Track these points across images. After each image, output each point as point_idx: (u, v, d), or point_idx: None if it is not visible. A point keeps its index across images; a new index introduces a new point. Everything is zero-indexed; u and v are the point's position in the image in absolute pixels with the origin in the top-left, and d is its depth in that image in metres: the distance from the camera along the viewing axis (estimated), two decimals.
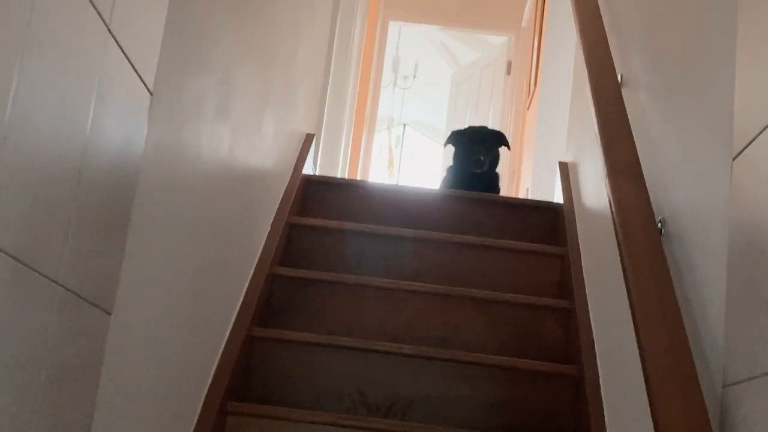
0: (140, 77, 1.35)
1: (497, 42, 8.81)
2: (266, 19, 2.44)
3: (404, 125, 11.07)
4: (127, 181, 1.37)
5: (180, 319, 1.85)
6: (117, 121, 1.29)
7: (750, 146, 1.31)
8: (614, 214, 1.77)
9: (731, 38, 1.51)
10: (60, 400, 1.19)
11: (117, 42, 1.23)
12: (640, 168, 1.90)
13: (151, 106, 1.43)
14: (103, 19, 1.17)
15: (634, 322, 1.50)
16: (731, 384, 1.28)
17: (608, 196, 1.85)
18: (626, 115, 2.14)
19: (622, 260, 1.65)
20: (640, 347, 1.44)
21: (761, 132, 1.27)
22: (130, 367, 1.53)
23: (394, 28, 8.70)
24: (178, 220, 1.75)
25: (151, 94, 1.42)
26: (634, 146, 1.98)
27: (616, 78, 2.35)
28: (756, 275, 1.24)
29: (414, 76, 10.45)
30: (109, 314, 1.35)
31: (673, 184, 1.79)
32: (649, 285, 1.54)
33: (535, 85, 6.18)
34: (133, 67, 1.31)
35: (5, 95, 0.91)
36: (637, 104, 2.21)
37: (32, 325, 1.07)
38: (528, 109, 6.78)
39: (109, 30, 1.19)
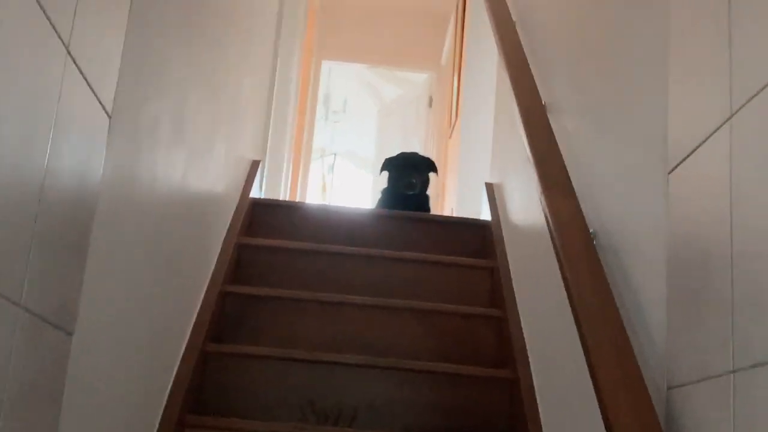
0: (99, 100, 1.24)
1: (419, 79, 8.87)
2: (216, 51, 2.35)
3: (335, 155, 11.05)
4: (86, 205, 1.26)
5: (137, 338, 1.74)
6: (76, 143, 1.18)
7: (685, 161, 1.27)
8: (551, 226, 1.72)
9: (658, 67, 1.47)
10: (24, 420, 1.07)
11: (76, 63, 1.12)
12: (572, 184, 1.85)
13: (109, 129, 1.33)
14: (62, 40, 1.06)
15: (577, 325, 1.44)
16: (677, 386, 1.23)
17: (544, 210, 1.80)
18: (554, 136, 2.10)
19: (561, 268, 1.60)
20: (585, 349, 1.37)
21: (695, 149, 1.24)
22: (92, 386, 1.42)
23: (325, 66, 8.68)
24: (135, 241, 1.64)
25: (110, 116, 1.31)
26: (564, 164, 1.94)
27: (542, 104, 2.31)
28: (697, 283, 1.20)
29: (344, 111, 10.49)
30: (71, 335, 1.24)
31: (603, 200, 1.75)
32: (589, 289, 1.49)
33: (457, 116, 6.20)
34: (91, 89, 1.20)
35: None
36: (561, 128, 2.17)
37: None
38: (450, 137, 6.80)
39: (68, 51, 1.08)
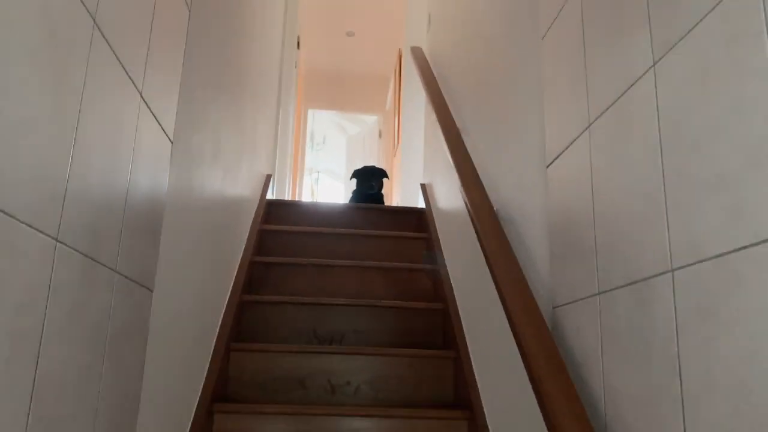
0: (164, 130, 1.17)
1: (371, 120, 8.81)
2: (239, 100, 2.28)
3: (318, 172, 10.94)
4: (158, 202, 1.20)
5: (195, 292, 1.67)
6: (149, 161, 1.12)
7: (559, 158, 1.25)
8: (468, 208, 1.69)
9: (535, 98, 1.45)
10: (121, 352, 1.01)
11: (147, 104, 1.05)
12: (480, 180, 1.82)
13: (171, 152, 1.26)
14: (137, 87, 0.99)
15: (489, 268, 1.41)
16: (559, 306, 1.20)
17: (463, 198, 1.77)
18: (467, 150, 2.07)
19: (477, 233, 1.57)
20: (496, 286, 1.34)
21: (565, 149, 1.21)
22: (168, 325, 1.35)
23: (310, 113, 8.58)
24: (191, 229, 1.57)
25: (172, 142, 1.24)
26: (474, 168, 1.91)
27: (457, 128, 2.28)
28: (567, 238, 1.18)
29: (323, 142, 10.41)
30: (151, 291, 1.17)
31: (501, 189, 1.73)
32: (496, 246, 1.45)
33: (398, 142, 6.17)
34: (158, 122, 1.13)
35: (68, 150, 0.74)
36: (471, 143, 2.15)
37: (100, 301, 0.89)
38: (394, 156, 6.76)
39: (141, 95, 1.02)
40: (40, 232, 0.71)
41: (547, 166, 1.31)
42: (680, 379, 0.78)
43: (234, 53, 2.11)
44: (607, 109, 1.04)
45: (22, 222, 0.67)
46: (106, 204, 0.91)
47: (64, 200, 0.77)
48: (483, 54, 2.09)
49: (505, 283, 1.30)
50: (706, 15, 0.77)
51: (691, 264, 0.77)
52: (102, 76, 0.86)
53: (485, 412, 1.77)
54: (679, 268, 0.80)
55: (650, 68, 0.90)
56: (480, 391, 1.86)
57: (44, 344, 0.74)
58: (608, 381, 0.98)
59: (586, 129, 1.11)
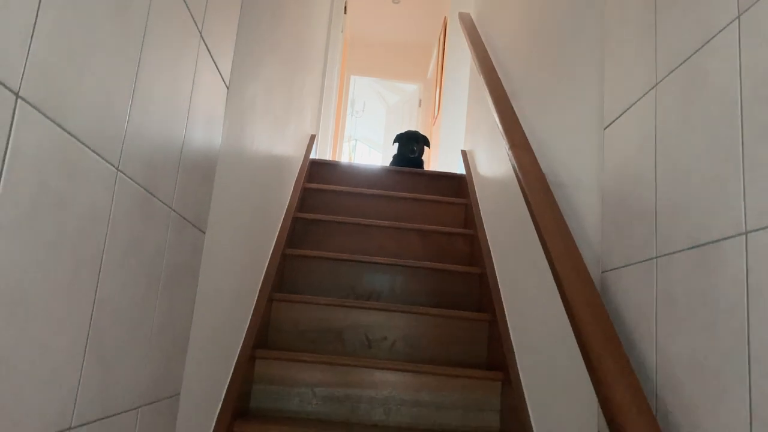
0: (221, 75, 1.14)
1: (412, 88, 8.66)
2: (290, 59, 2.23)
3: (356, 140, 10.87)
4: (212, 150, 1.17)
5: (242, 242, 1.66)
6: (206, 105, 1.08)
7: (617, 120, 1.18)
8: (517, 172, 1.63)
9: (593, 54, 1.36)
10: (174, 290, 1.00)
11: (206, 45, 1.02)
12: (529, 144, 1.75)
13: (227, 98, 1.23)
14: (197, 26, 0.96)
15: (538, 233, 1.36)
16: (609, 270, 1.15)
17: (511, 161, 1.71)
18: (515, 113, 1.99)
19: (525, 197, 1.51)
20: (544, 248, 1.29)
21: (626, 110, 1.14)
22: (217, 268, 1.34)
23: (352, 79, 8.47)
24: (240, 178, 1.55)
25: (228, 88, 1.21)
26: (523, 131, 1.84)
27: (506, 92, 2.20)
28: (623, 202, 1.11)
29: (363, 110, 10.31)
30: (204, 232, 1.15)
31: (551, 153, 1.65)
32: (545, 210, 1.40)
33: (438, 111, 6.05)
34: (216, 65, 1.10)
35: (130, 83, 0.71)
36: (520, 107, 2.07)
37: (156, 236, 0.87)
38: (434, 125, 6.65)
39: (201, 36, 0.98)
40: (102, 158, 0.69)
41: (605, 128, 1.23)
42: (748, 346, 0.73)
43: (287, 11, 2.06)
44: (679, 66, 0.96)
45: (85, 145, 0.65)
46: (164, 142, 0.88)
47: (125, 131, 0.74)
48: (538, 13, 1.99)
49: (554, 245, 1.24)
50: None
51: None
52: (165, 10, 0.82)
53: (520, 376, 1.73)
54: (755, 230, 0.73)
55: (734, 20, 0.82)
56: (515, 354, 1.82)
57: (103, 272, 0.73)
58: (662, 347, 0.93)
59: (653, 88, 1.03)
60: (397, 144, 3.95)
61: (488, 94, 2.21)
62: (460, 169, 3.52)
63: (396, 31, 7.61)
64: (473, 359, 2.13)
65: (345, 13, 5.27)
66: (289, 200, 2.60)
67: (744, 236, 0.76)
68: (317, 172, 3.24)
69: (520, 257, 1.90)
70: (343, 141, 9.00)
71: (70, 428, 0.67)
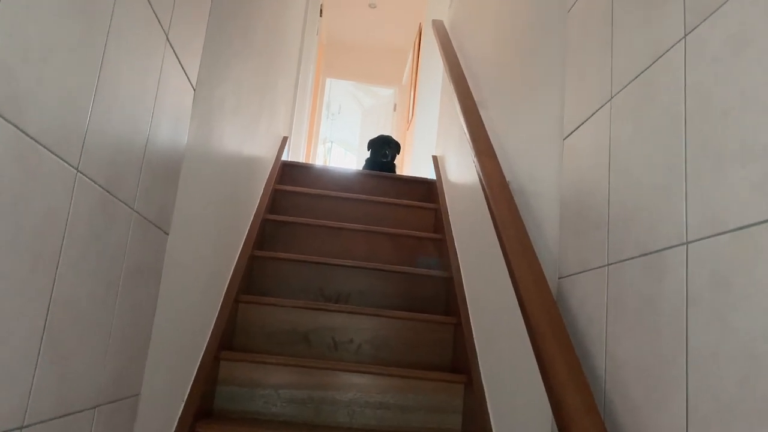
0: (187, 76, 1.14)
1: (387, 93, 8.69)
2: (262, 59, 2.24)
3: (332, 142, 10.85)
4: (177, 151, 1.17)
5: (208, 243, 1.66)
6: (171, 106, 1.09)
7: (576, 131, 1.21)
8: (481, 178, 1.66)
9: (555, 71, 1.40)
10: (134, 290, 1.00)
11: (173, 48, 1.02)
12: (494, 151, 1.79)
13: (194, 99, 1.23)
14: (163, 29, 0.96)
15: (498, 237, 1.38)
16: (565, 276, 1.18)
17: (476, 168, 1.74)
18: (483, 122, 2.03)
19: (487, 202, 1.54)
20: (503, 251, 1.32)
21: (584, 122, 1.17)
22: (181, 269, 1.34)
23: (328, 82, 8.47)
24: (208, 179, 1.55)
25: (194, 89, 1.21)
26: (489, 140, 1.87)
27: (474, 101, 2.23)
28: (580, 210, 1.15)
29: (338, 113, 10.28)
30: (167, 234, 1.15)
31: (514, 161, 1.69)
32: (507, 216, 1.42)
33: (412, 116, 6.11)
34: (182, 67, 1.10)
35: (92, 82, 0.72)
36: (487, 117, 2.10)
37: (116, 237, 0.87)
38: (408, 129, 6.70)
39: (167, 38, 0.98)
40: (61, 159, 0.69)
41: (564, 139, 1.27)
42: (686, 349, 0.76)
43: (260, 11, 2.07)
44: (631, 81, 1.00)
45: (43, 146, 0.65)
46: (127, 142, 0.88)
47: (86, 132, 0.75)
48: (506, 28, 2.03)
49: (514, 251, 1.27)
50: None
51: (708, 237, 0.74)
52: (130, 11, 0.83)
53: (482, 377, 1.76)
54: (695, 240, 0.77)
55: (681, 39, 0.86)
56: (478, 356, 1.85)
57: (60, 270, 0.73)
58: (611, 351, 0.96)
59: (608, 101, 1.07)
60: (370, 149, 3.97)
61: (457, 102, 2.24)
62: (431, 174, 3.55)
63: (372, 35, 7.64)
64: (439, 362, 2.15)
65: (321, 16, 5.28)
66: (258, 201, 2.59)
67: (685, 246, 0.79)
68: (289, 173, 3.24)
69: (484, 262, 1.93)
70: (318, 143, 8.98)
71: (22, 427, 0.67)
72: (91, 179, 0.77)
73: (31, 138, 0.62)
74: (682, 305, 0.78)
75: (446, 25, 3.45)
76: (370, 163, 3.89)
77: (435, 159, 3.48)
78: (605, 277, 1.01)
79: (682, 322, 0.78)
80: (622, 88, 1.03)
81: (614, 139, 1.04)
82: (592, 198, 1.10)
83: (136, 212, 0.95)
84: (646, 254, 0.89)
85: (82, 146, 0.74)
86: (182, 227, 1.29)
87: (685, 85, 0.84)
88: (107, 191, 0.82)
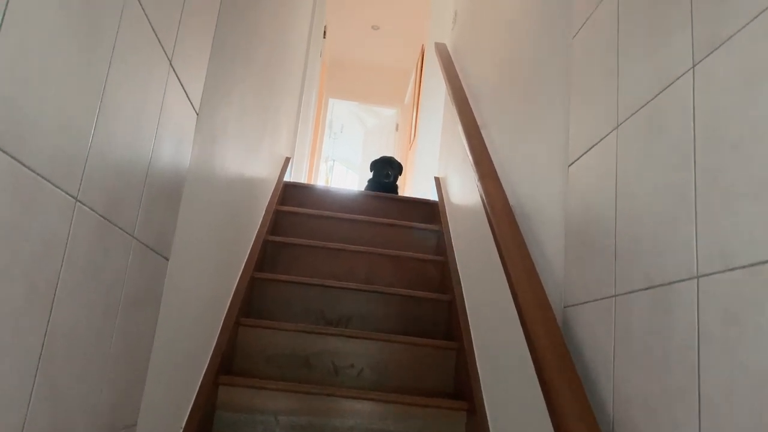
0: (190, 101, 1.14)
1: (390, 113, 8.73)
2: (265, 82, 2.24)
3: (333, 161, 10.87)
4: (179, 176, 1.16)
5: (210, 266, 1.64)
6: (173, 131, 1.08)
7: (581, 158, 1.20)
8: (484, 201, 1.65)
9: (559, 95, 1.40)
10: (133, 318, 0.98)
11: (176, 73, 1.01)
12: (497, 174, 1.78)
13: (196, 124, 1.22)
14: (167, 55, 0.95)
15: (502, 262, 1.37)
16: (570, 305, 1.16)
17: (479, 191, 1.73)
18: (485, 144, 2.02)
19: (490, 225, 1.53)
20: (508, 279, 1.30)
21: (590, 149, 1.16)
22: (181, 294, 1.32)
23: (330, 102, 8.51)
24: (210, 203, 1.54)
25: (197, 114, 1.21)
26: (492, 162, 1.87)
27: (477, 123, 2.23)
28: (585, 238, 1.13)
29: (341, 132, 10.32)
30: (167, 260, 1.14)
31: (518, 185, 1.68)
32: (510, 240, 1.41)
33: (414, 136, 6.12)
34: (185, 92, 1.10)
35: (94, 110, 0.71)
36: (490, 139, 2.10)
37: (115, 264, 0.86)
38: (410, 149, 6.71)
39: (170, 64, 0.98)
40: (60, 189, 0.68)
41: (569, 165, 1.26)
42: (699, 387, 0.74)
43: (263, 35, 2.07)
44: (639, 110, 0.99)
45: (42, 177, 0.64)
46: (128, 169, 0.87)
47: (87, 159, 0.73)
48: (509, 52, 2.03)
49: (518, 278, 1.25)
50: (758, 15, 0.72)
51: (720, 272, 0.73)
52: (133, 38, 0.82)
53: (485, 405, 1.73)
54: (706, 275, 0.75)
55: (689, 69, 0.85)
56: (481, 383, 1.82)
57: (57, 300, 0.71)
58: (618, 383, 0.94)
59: (614, 129, 1.06)
60: (372, 169, 3.97)
61: (460, 124, 2.24)
62: (433, 195, 3.54)
63: (375, 56, 7.70)
64: (440, 387, 2.12)
65: (324, 37, 5.32)
66: (260, 223, 2.58)
67: (696, 280, 0.77)
68: (291, 194, 3.23)
69: (487, 286, 1.91)
70: (321, 162, 8.99)
71: None
72: (90, 208, 0.76)
73: (30, 169, 0.61)
74: (694, 341, 0.76)
75: (449, 47, 3.46)
76: (373, 184, 3.89)
77: (437, 180, 3.47)
78: (612, 309, 0.99)
79: (694, 359, 0.76)
80: (629, 116, 1.02)
81: (621, 167, 1.03)
82: (598, 226, 1.09)
83: (136, 239, 0.93)
84: (654, 286, 0.87)
85: (82, 174, 0.73)
86: (183, 251, 1.28)
87: (693, 116, 0.83)
88: (107, 219, 0.81)
